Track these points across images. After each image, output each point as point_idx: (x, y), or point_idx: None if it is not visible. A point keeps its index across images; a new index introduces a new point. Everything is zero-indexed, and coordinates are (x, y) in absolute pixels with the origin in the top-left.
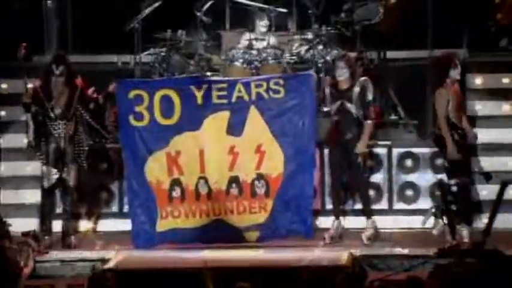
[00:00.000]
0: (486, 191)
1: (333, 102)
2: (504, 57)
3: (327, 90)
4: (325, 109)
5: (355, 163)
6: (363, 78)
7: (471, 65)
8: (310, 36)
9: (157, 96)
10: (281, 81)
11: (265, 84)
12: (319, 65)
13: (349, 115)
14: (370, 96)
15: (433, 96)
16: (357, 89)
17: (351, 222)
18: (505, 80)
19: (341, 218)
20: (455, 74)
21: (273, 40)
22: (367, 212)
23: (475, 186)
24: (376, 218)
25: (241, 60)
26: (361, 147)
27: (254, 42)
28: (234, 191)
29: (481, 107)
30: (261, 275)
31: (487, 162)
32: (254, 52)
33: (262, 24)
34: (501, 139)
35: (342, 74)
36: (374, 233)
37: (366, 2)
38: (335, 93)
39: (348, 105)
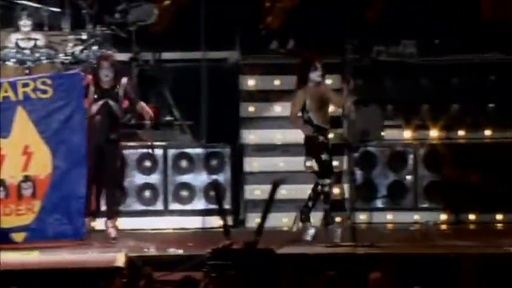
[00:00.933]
0: (259, 191)
1: (96, 101)
2: (275, 59)
3: (91, 89)
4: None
5: (113, 163)
6: (124, 78)
7: (244, 67)
8: (84, 36)
9: None
10: (48, 81)
11: (32, 83)
12: (94, 65)
13: (112, 115)
14: (132, 95)
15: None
16: (120, 90)
17: (130, 223)
18: (277, 82)
19: (117, 218)
20: (314, 76)
21: (42, 40)
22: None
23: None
24: (152, 218)
25: (13, 60)
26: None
27: (21, 42)
28: (1, 194)
29: (253, 109)
30: (34, 277)
31: (259, 162)
32: (27, 52)
33: (24, 24)
34: (272, 140)
35: (107, 74)
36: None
37: (141, 3)
38: (99, 92)
39: (111, 103)
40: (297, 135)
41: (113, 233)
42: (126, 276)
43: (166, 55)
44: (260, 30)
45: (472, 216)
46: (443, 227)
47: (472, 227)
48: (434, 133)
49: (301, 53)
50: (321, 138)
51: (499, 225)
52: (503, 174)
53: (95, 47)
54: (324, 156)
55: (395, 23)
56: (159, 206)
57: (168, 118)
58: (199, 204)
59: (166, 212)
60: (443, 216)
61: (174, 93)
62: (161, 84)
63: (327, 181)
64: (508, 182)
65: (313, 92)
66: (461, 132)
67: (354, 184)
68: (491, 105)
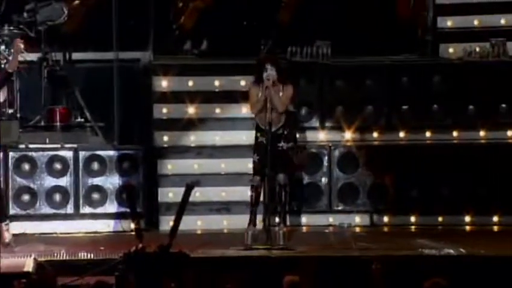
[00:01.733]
0: (172, 194)
1: None
2: (188, 60)
3: None
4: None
5: None
6: None
7: (157, 67)
8: None
9: None
10: None
11: None
12: (2, 65)
13: None
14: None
15: None
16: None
17: (40, 227)
18: (190, 83)
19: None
20: (266, 75)
21: None
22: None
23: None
24: (62, 222)
25: None
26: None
27: None
28: None
29: (166, 110)
30: None
31: (172, 165)
32: None
33: None
34: (186, 142)
35: None
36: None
37: (50, 2)
38: None
39: None
40: (210, 137)
41: (7, 237)
42: (29, 280)
43: (77, 55)
44: (173, 31)
45: (386, 219)
46: (358, 229)
47: (386, 229)
48: (348, 135)
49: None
50: (260, 138)
51: (412, 227)
52: (417, 176)
53: (2, 47)
54: (254, 157)
55: (310, 24)
56: (69, 209)
57: (79, 120)
58: (111, 207)
59: (77, 215)
60: (357, 219)
61: (85, 94)
62: (72, 85)
63: (255, 181)
64: (420, 185)
65: (262, 93)
66: (375, 134)
67: (268, 186)
68: (404, 106)
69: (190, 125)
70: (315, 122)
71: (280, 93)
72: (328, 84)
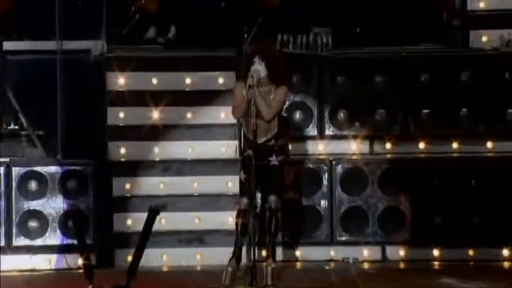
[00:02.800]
0: (131, 221)
1: None
2: (152, 51)
3: None
4: None
5: None
6: None
7: (111, 61)
8: None
9: None
10: None
11: None
12: None
13: None
14: None
15: None
16: None
17: None
18: (154, 81)
19: None
20: (250, 71)
21: None
22: None
23: None
24: None
25: None
26: None
27: None
28: None
29: (124, 115)
30: None
31: (132, 184)
32: None
33: None
34: (149, 155)
35: None
36: None
37: None
38: None
39: None
40: (180, 149)
41: None
42: None
43: (10, 45)
44: (132, 14)
45: (402, 252)
46: (366, 265)
47: (402, 265)
48: (354, 146)
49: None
50: (247, 151)
51: (435, 263)
52: (441, 198)
53: None
54: (241, 175)
55: (305, 6)
56: (0, 241)
57: (13, 127)
58: (54, 239)
59: (9, 249)
60: (366, 252)
61: (20, 95)
62: (3, 84)
63: (243, 204)
64: (445, 209)
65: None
66: (388, 145)
67: (254, 212)
68: (425, 110)
69: (154, 133)
70: (312, 130)
71: (271, 96)
72: (329, 82)
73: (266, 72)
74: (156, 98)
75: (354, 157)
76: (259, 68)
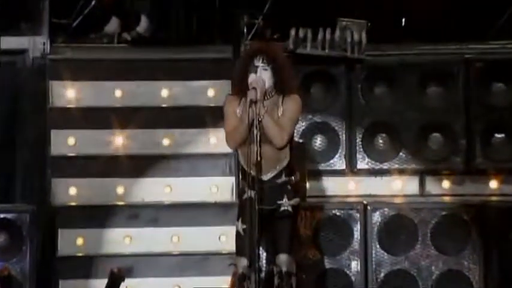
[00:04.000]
0: None
1: None
2: (114, 52)
3: None
4: None
5: None
6: None
7: (57, 65)
8: None
9: None
10: None
11: None
12: None
13: None
14: None
15: None
16: None
17: None
18: (117, 93)
19: None
20: (251, 80)
21: None
22: None
23: None
24: None
25: None
26: None
27: None
28: None
29: (74, 141)
30: None
31: (85, 237)
32: None
33: None
34: (107, 196)
35: None
36: None
37: None
38: None
39: None
40: (153, 189)
41: None
42: None
43: None
44: (87, 2)
45: None
46: None
47: None
48: (399, 184)
49: None
50: (247, 192)
51: None
52: None
53: None
54: (238, 225)
55: None
56: None
57: None
58: None
59: None
60: None
61: None
62: None
63: (241, 266)
64: None
65: (245, 111)
66: (446, 183)
67: (256, 277)
68: (498, 135)
69: (117, 167)
70: (339, 162)
71: (279, 111)
72: (363, 96)
73: (273, 80)
74: (119, 117)
75: (398, 200)
76: (264, 75)
